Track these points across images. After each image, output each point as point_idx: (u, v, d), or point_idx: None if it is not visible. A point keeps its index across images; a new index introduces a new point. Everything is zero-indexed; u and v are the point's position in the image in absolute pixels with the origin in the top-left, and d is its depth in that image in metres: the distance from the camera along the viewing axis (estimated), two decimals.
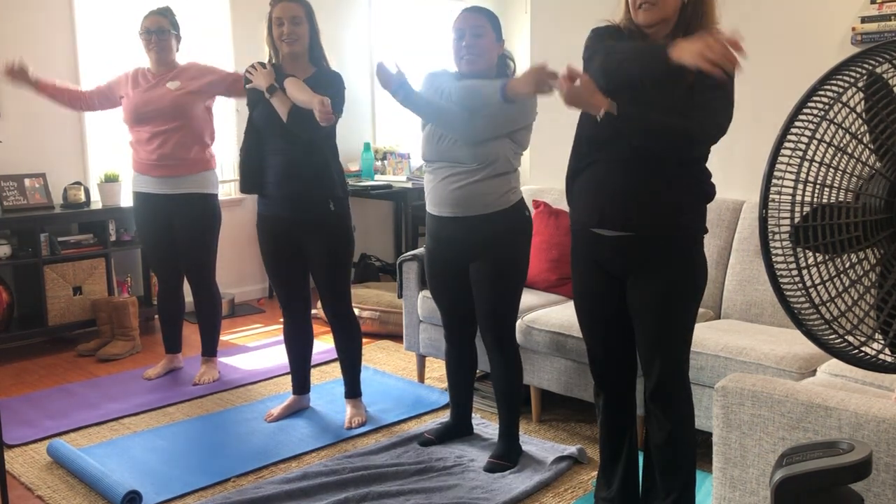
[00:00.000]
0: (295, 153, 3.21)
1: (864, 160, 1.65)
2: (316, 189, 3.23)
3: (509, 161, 2.86)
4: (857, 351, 1.71)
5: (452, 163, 2.85)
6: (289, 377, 3.72)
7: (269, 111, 3.19)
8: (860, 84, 1.64)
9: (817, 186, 1.64)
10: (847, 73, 1.65)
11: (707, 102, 2.13)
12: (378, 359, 4.38)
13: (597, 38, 2.28)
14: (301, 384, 3.60)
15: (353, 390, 3.52)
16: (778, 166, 1.66)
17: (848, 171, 1.65)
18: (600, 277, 2.37)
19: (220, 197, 4.05)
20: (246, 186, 3.35)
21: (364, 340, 4.28)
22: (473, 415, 3.34)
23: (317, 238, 3.28)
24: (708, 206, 2.34)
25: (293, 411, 3.57)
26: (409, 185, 5.52)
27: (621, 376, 2.47)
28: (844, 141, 1.64)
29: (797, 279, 1.68)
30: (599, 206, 2.27)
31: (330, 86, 3.20)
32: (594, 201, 2.28)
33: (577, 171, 2.35)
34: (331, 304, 3.40)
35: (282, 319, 3.57)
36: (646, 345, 2.32)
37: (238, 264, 5.69)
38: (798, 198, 1.64)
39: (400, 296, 3.89)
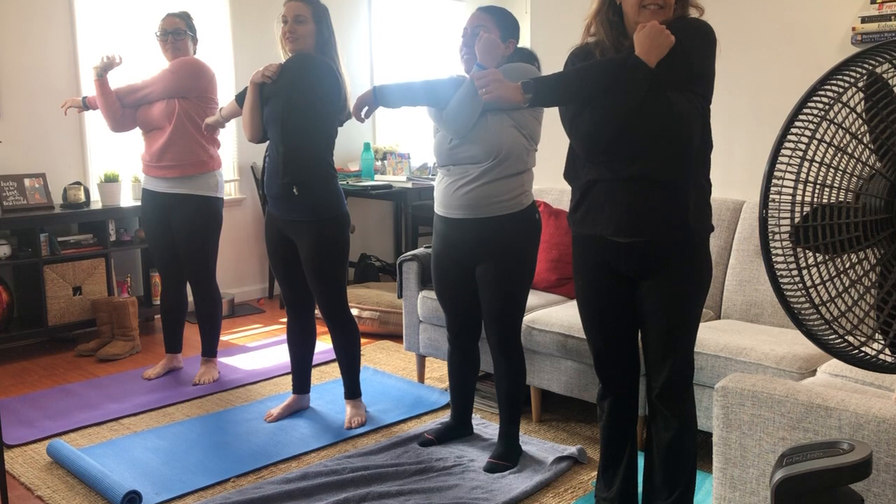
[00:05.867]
0: (277, 153, 3.22)
1: (864, 160, 1.65)
2: (298, 189, 3.20)
3: (522, 159, 2.81)
4: (857, 351, 1.71)
5: (466, 164, 2.81)
6: (289, 377, 3.71)
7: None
8: (860, 84, 1.64)
9: (817, 186, 1.64)
10: (847, 73, 1.65)
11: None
12: (378, 359, 4.38)
13: (572, 60, 2.30)
14: (301, 384, 3.60)
15: (352, 391, 3.52)
16: (778, 166, 1.66)
17: (848, 171, 1.65)
18: (609, 279, 2.35)
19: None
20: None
21: (364, 340, 4.26)
22: (473, 415, 3.34)
23: (304, 240, 3.26)
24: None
25: (293, 411, 3.57)
26: (409, 185, 5.51)
27: (627, 378, 2.47)
28: (844, 141, 1.64)
29: (797, 279, 1.68)
30: (608, 219, 2.25)
31: (298, 70, 3.18)
32: (601, 215, 2.27)
33: (583, 189, 2.32)
34: (322, 306, 3.37)
35: (284, 319, 3.56)
36: (657, 344, 2.31)
37: (238, 264, 5.69)
38: (798, 198, 1.64)
39: (400, 296, 3.89)
